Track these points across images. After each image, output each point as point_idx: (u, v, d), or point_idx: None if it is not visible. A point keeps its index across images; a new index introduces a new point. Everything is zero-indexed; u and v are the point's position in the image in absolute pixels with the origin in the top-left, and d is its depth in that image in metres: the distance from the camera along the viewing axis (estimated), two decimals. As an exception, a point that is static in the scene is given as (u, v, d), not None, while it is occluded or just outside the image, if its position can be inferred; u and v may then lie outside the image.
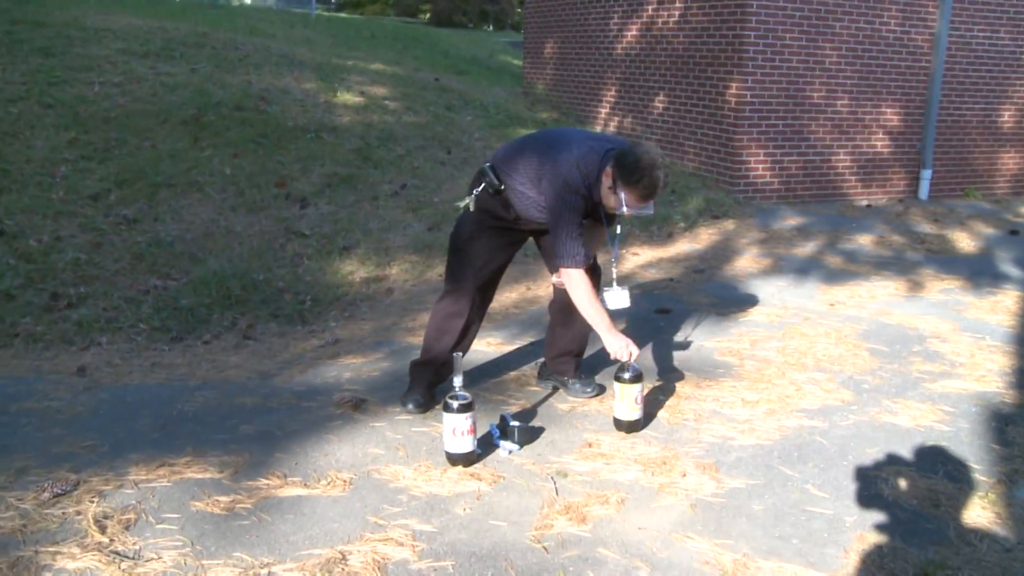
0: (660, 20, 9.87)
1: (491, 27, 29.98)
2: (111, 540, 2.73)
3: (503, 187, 3.68)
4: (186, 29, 11.03)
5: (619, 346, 3.58)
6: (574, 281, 3.59)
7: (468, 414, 3.27)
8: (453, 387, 3.29)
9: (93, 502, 2.96)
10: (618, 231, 3.91)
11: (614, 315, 3.75)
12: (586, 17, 11.30)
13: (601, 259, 4.20)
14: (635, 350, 3.59)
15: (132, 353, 5.17)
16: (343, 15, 23.07)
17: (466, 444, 3.31)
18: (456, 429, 3.27)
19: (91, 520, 2.83)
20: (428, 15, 28.96)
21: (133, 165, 7.33)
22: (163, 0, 16.39)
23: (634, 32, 10.36)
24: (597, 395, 4.13)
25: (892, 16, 9.38)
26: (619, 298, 3.88)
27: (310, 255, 6.56)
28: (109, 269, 6.14)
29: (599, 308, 3.62)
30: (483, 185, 3.72)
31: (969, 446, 3.67)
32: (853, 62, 9.27)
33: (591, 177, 3.54)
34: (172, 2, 16.46)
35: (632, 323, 5.26)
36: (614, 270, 4.10)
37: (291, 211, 7.12)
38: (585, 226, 3.66)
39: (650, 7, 10.01)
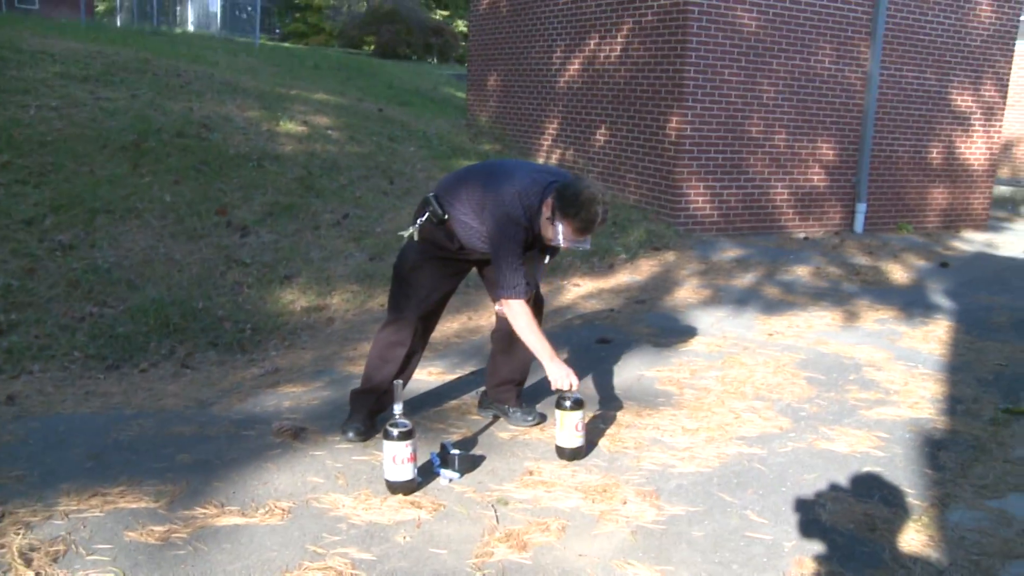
0: (602, 54, 10.02)
1: (435, 60, 30.14)
2: (37, 574, 2.65)
3: (447, 217, 3.69)
4: (127, 55, 10.91)
5: (560, 375, 3.59)
6: (515, 311, 3.60)
7: (408, 442, 3.25)
8: (393, 415, 3.27)
9: (19, 534, 2.87)
10: (546, 261, 3.90)
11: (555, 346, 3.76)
12: (529, 51, 11.43)
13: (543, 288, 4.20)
14: (575, 380, 3.60)
15: (66, 381, 5.06)
16: (287, 45, 23.02)
17: (406, 472, 3.28)
18: (396, 457, 3.25)
19: (15, 553, 2.74)
20: (372, 47, 29.02)
21: (70, 190, 7.20)
22: (104, 26, 16.22)
23: (576, 66, 10.50)
24: (538, 423, 4.13)
25: (826, 55, 9.64)
26: None
27: (250, 284, 6.49)
28: (43, 296, 6.00)
29: (540, 337, 3.63)
30: (427, 215, 3.71)
31: (903, 471, 3.75)
32: (790, 98, 9.50)
33: (532, 209, 3.56)
34: (113, 28, 16.28)
35: (574, 353, 5.29)
36: None
37: (232, 239, 7.04)
38: (527, 257, 3.68)
39: (592, 42, 10.16)
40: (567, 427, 3.64)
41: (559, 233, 3.47)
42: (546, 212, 3.52)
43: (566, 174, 3.71)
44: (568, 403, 3.61)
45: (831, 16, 9.60)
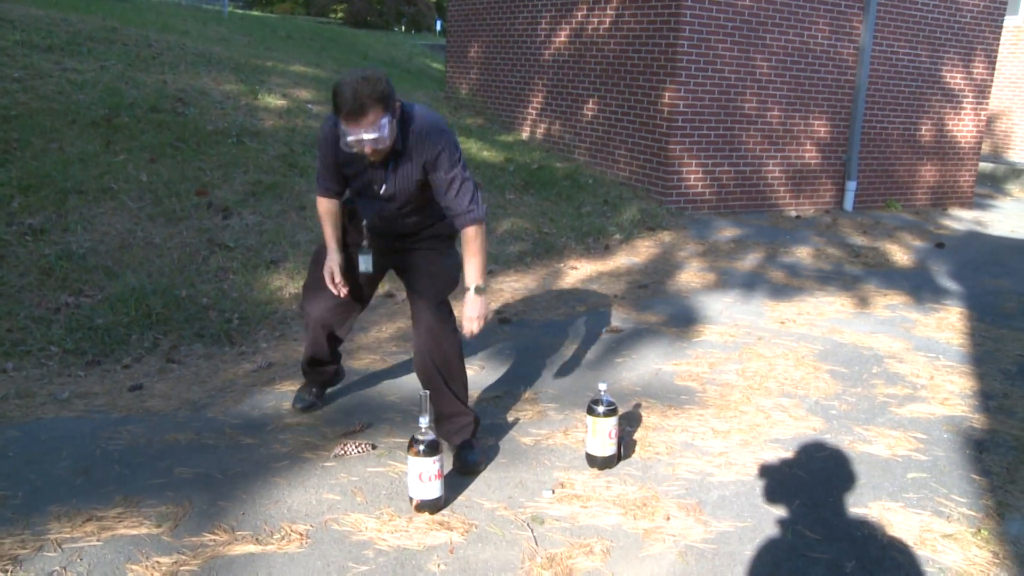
0: (591, 26, 9.70)
1: (402, 28, 29.53)
2: (35, 617, 2.36)
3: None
4: (93, 23, 10.40)
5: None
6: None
7: (436, 458, 2.99)
8: (420, 426, 2.99)
9: (7, 571, 2.57)
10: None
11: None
12: (513, 21, 11.07)
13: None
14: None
15: (43, 380, 4.71)
16: (255, 13, 22.38)
17: (434, 490, 3.02)
18: (423, 474, 2.98)
19: (9, 593, 2.46)
20: (341, 15, 28.36)
21: (38, 169, 6.78)
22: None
23: (563, 37, 10.17)
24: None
25: (820, 30, 9.41)
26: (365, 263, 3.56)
27: (235, 269, 6.14)
28: (14, 285, 5.62)
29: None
30: None
31: (949, 476, 3.54)
32: (783, 74, 9.26)
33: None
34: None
35: (584, 344, 5.03)
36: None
37: (213, 221, 6.68)
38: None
39: (580, 12, 9.83)
40: (600, 434, 3.39)
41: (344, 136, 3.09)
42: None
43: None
44: (601, 409, 3.35)
45: (825, -12, 9.36)
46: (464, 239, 3.31)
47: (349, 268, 3.57)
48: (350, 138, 3.06)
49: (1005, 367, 5.02)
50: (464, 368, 3.48)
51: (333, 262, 3.51)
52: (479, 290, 3.32)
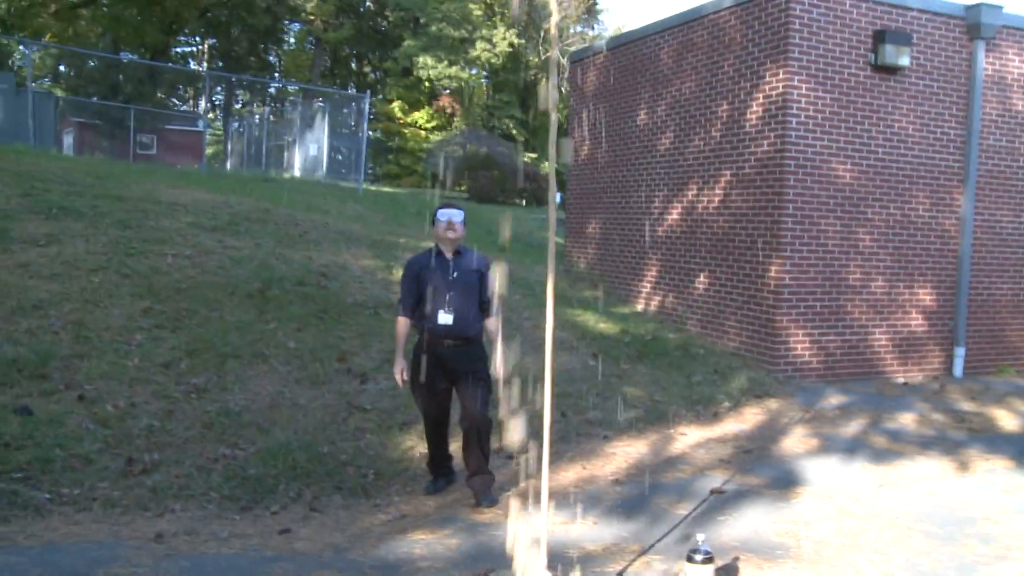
0: (700, 205, 10.40)
1: (524, 203, 31.02)
2: None
3: None
4: (249, 205, 11.70)
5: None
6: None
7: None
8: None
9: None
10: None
11: None
12: (628, 198, 11.90)
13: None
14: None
15: (205, 521, 5.37)
16: (387, 189, 24.17)
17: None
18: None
19: None
20: (465, 189, 30.17)
21: (203, 335, 7.71)
22: (220, 173, 17.37)
23: (675, 214, 10.90)
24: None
25: (920, 202, 9.86)
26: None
27: (371, 429, 6.81)
28: (180, 436, 6.40)
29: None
30: None
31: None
32: (885, 245, 9.68)
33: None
34: (228, 175, 17.40)
35: (688, 503, 5.42)
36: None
37: (352, 386, 7.42)
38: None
39: (691, 191, 10.57)
40: (696, 581, 3.78)
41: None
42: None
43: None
44: (699, 557, 3.76)
45: (923, 165, 9.85)
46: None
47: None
48: (442, 212, 5.53)
49: (1102, 534, 5.16)
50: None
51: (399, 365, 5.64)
52: None
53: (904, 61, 9.44)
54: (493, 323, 5.69)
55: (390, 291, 9.36)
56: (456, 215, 5.55)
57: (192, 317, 8.06)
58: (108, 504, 5.46)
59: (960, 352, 10.29)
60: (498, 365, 5.23)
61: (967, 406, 8.69)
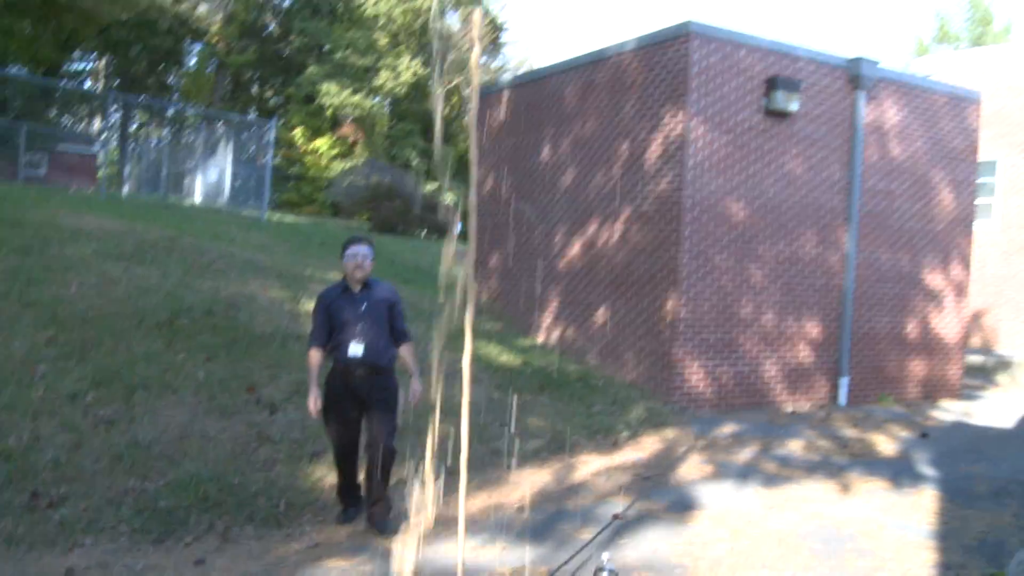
0: (601, 240, 10.81)
1: (424, 234, 31.13)
2: None
3: None
4: (156, 233, 11.60)
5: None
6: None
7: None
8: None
9: None
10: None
11: None
12: (531, 233, 12.24)
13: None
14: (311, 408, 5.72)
15: (118, 554, 5.40)
16: (291, 219, 24.04)
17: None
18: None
19: None
20: (368, 219, 30.18)
21: (110, 366, 7.67)
22: (119, 198, 17.12)
23: (577, 249, 11.28)
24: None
25: (808, 240, 10.46)
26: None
27: (282, 460, 6.90)
28: (89, 469, 6.37)
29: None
30: None
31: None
32: (776, 281, 10.24)
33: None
34: (128, 201, 17.13)
35: (591, 528, 5.69)
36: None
37: (261, 416, 7.49)
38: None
39: (592, 227, 10.97)
40: (601, 601, 4.05)
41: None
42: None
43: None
44: (605, 575, 4.03)
45: (811, 205, 10.48)
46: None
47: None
48: (350, 250, 5.68)
49: (967, 542, 5.67)
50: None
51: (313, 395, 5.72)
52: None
53: (794, 107, 10.05)
54: (406, 350, 5.89)
55: (298, 322, 9.45)
56: (364, 252, 5.73)
57: (98, 347, 8.00)
58: (12, 540, 5.43)
59: (844, 382, 10.91)
60: (414, 390, 5.49)
61: (850, 432, 9.24)
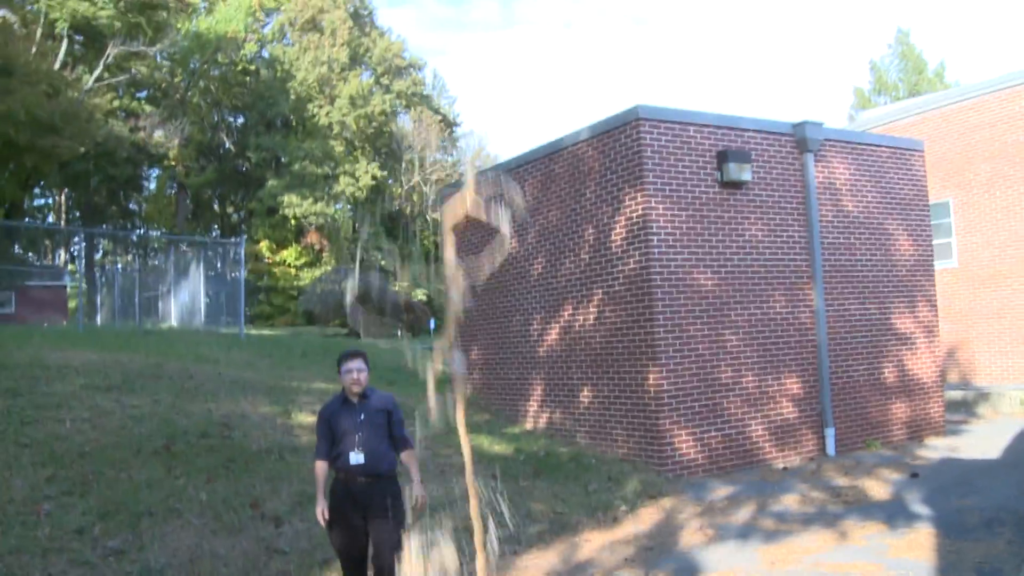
0: (577, 323, 11.12)
1: (400, 334, 31.37)
2: None
3: None
4: (140, 361, 11.78)
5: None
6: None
7: None
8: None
9: None
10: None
11: None
12: (507, 323, 12.54)
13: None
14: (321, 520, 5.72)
15: None
16: (268, 332, 24.25)
17: None
18: None
19: None
20: (341, 323, 30.45)
21: (113, 497, 7.78)
22: (97, 329, 17.27)
23: (554, 334, 11.57)
24: None
25: (777, 300, 10.84)
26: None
27: (293, 571, 7.01)
28: (102, 603, 6.45)
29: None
30: None
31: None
32: (751, 343, 10.57)
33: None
34: (107, 331, 17.29)
35: (605, 601, 5.86)
36: None
37: (268, 530, 7.60)
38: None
39: (567, 312, 11.29)
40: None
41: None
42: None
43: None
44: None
45: (776, 267, 10.88)
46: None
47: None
48: (346, 366, 5.84)
49: (964, 574, 5.90)
50: None
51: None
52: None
53: (746, 176, 10.52)
54: (407, 456, 6.07)
55: (292, 435, 9.62)
56: (358, 366, 5.95)
57: (99, 480, 8.12)
58: None
59: (831, 432, 11.18)
60: (416, 496, 5.66)
61: (842, 481, 9.48)
